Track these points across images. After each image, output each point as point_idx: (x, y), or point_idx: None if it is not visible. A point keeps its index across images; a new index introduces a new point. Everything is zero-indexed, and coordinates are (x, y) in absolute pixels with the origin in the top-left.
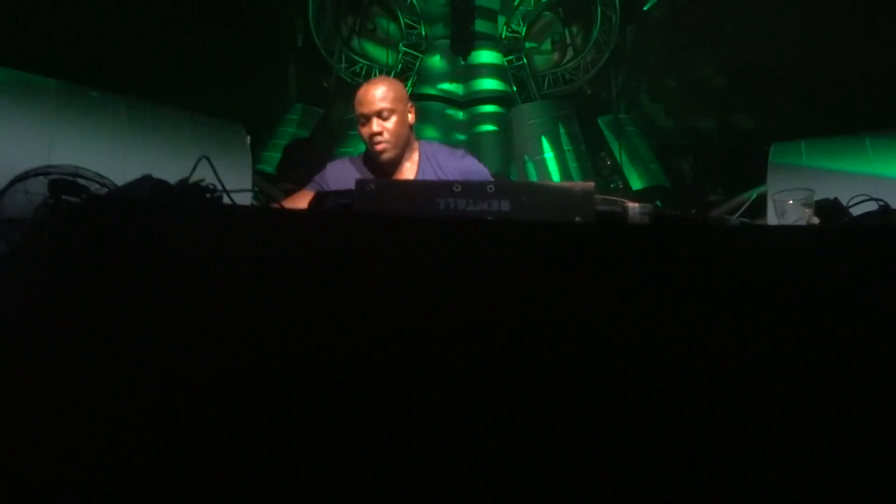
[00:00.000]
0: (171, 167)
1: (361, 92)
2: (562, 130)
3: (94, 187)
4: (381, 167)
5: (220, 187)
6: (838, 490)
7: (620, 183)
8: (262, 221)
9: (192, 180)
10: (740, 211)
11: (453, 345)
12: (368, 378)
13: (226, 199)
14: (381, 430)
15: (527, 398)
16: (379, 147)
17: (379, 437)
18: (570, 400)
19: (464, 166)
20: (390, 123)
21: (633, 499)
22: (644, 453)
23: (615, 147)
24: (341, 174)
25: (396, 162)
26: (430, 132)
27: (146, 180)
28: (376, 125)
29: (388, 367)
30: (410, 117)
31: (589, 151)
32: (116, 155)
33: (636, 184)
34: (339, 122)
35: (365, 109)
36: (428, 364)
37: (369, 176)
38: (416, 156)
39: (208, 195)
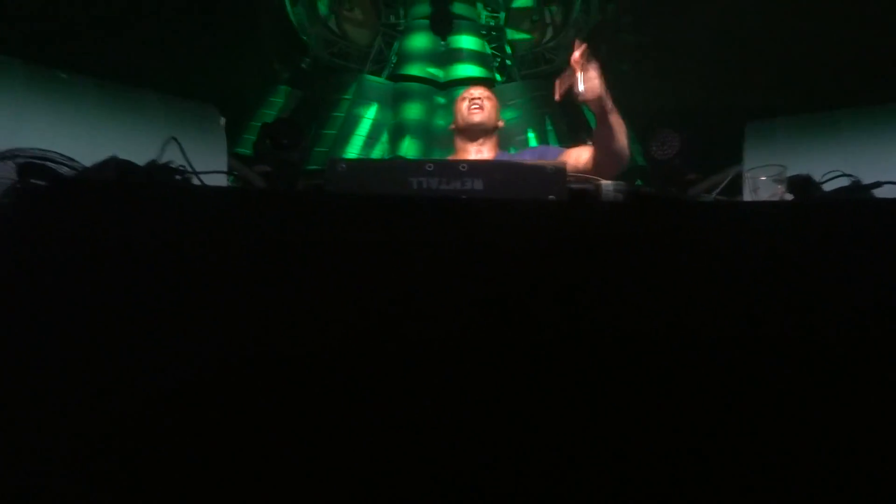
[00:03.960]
0: (143, 149)
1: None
2: (542, 111)
3: (64, 171)
4: (469, 140)
5: (190, 168)
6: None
7: None
8: (231, 202)
9: (160, 161)
10: (717, 189)
11: (426, 323)
12: (340, 357)
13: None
14: (354, 407)
15: (500, 375)
16: (474, 108)
17: (354, 414)
18: (544, 376)
19: (537, 153)
20: (487, 103)
21: (608, 470)
22: (619, 427)
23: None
24: None
25: (479, 145)
26: (413, 112)
27: (112, 161)
28: (478, 94)
29: (360, 347)
30: (500, 122)
31: (570, 131)
32: (87, 137)
33: None
34: (319, 104)
35: (472, 92)
36: (402, 343)
37: None
38: (493, 157)
39: (178, 177)
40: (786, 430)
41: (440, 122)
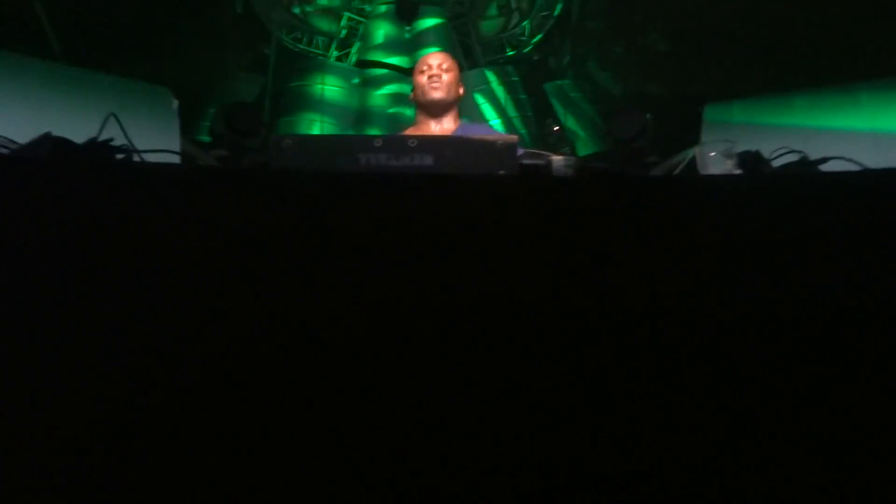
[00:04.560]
0: (91, 131)
1: (429, 54)
2: (507, 97)
3: (3, 152)
4: (430, 116)
5: (131, 146)
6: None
7: (568, 149)
8: (173, 179)
9: (100, 139)
10: (677, 171)
11: (374, 302)
12: (284, 339)
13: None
14: (303, 391)
15: (446, 355)
16: (433, 85)
17: (305, 398)
18: (486, 357)
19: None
20: (447, 76)
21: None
22: (584, 409)
23: (561, 113)
24: None
25: (440, 120)
26: (378, 100)
27: (47, 139)
28: (436, 70)
29: (306, 328)
30: (461, 90)
31: (536, 118)
32: (32, 119)
33: (583, 149)
34: (281, 91)
35: (430, 60)
36: (349, 323)
37: None
38: (453, 129)
39: (119, 155)
40: (746, 405)
41: (407, 110)
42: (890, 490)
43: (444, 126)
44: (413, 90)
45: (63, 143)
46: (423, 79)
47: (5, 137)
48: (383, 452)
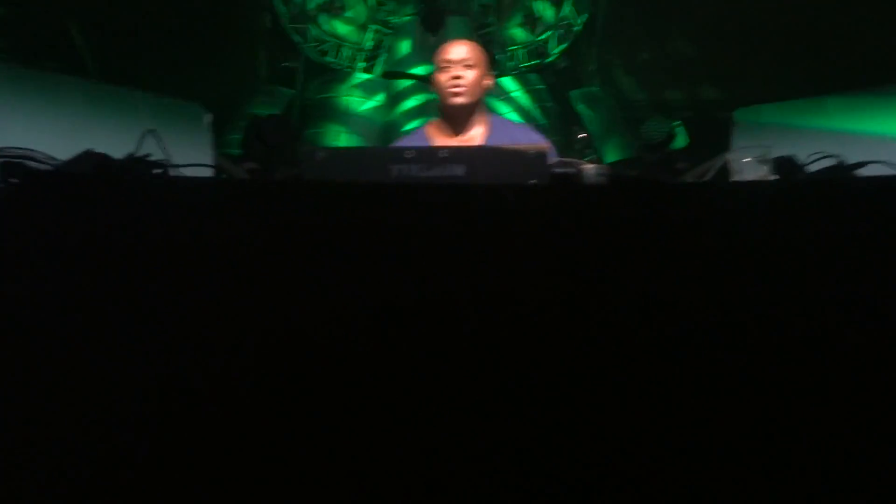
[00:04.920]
0: (128, 148)
1: (449, 44)
2: (533, 105)
3: (45, 169)
4: (450, 128)
5: (168, 160)
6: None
7: (594, 156)
8: (209, 193)
9: (138, 154)
10: (707, 176)
11: (410, 311)
12: (321, 345)
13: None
14: (336, 397)
15: (484, 360)
16: (456, 90)
17: (336, 403)
18: (527, 360)
19: (531, 140)
20: (471, 73)
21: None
22: (611, 415)
23: (588, 121)
24: None
25: (465, 121)
26: (405, 111)
27: (87, 155)
28: (459, 70)
29: (342, 335)
30: (487, 83)
31: (563, 125)
32: (70, 137)
33: (610, 156)
34: (309, 103)
35: (451, 56)
36: (385, 330)
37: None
38: (485, 129)
39: (157, 170)
40: (778, 413)
41: (432, 116)
42: (890, 490)
43: (471, 133)
44: (434, 86)
45: (103, 160)
46: (443, 78)
47: (46, 154)
48: (416, 463)
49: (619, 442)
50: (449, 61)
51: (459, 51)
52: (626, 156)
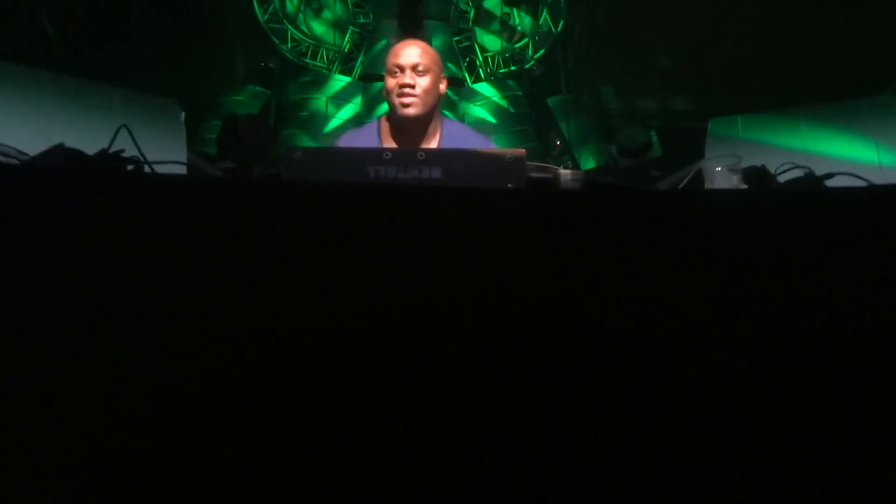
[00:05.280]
0: (101, 143)
1: (399, 45)
2: (510, 111)
3: (14, 163)
4: (400, 134)
5: (142, 157)
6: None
7: (571, 163)
8: (184, 190)
9: (111, 150)
10: (681, 184)
11: (385, 312)
12: (298, 346)
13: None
14: (314, 397)
15: (455, 364)
16: (406, 100)
17: (315, 405)
18: (503, 364)
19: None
20: (423, 80)
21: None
22: (582, 414)
23: (564, 128)
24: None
25: (417, 130)
26: (381, 113)
27: (59, 150)
28: (409, 77)
29: (317, 337)
30: (442, 87)
31: (539, 132)
32: (42, 132)
33: (587, 163)
34: (286, 104)
35: (401, 60)
36: (360, 332)
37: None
38: (438, 134)
39: (130, 166)
40: (754, 410)
41: None
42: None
43: (422, 142)
44: (383, 89)
45: (75, 154)
46: (391, 84)
47: (15, 148)
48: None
49: (603, 450)
50: (399, 66)
51: (411, 54)
52: (602, 163)
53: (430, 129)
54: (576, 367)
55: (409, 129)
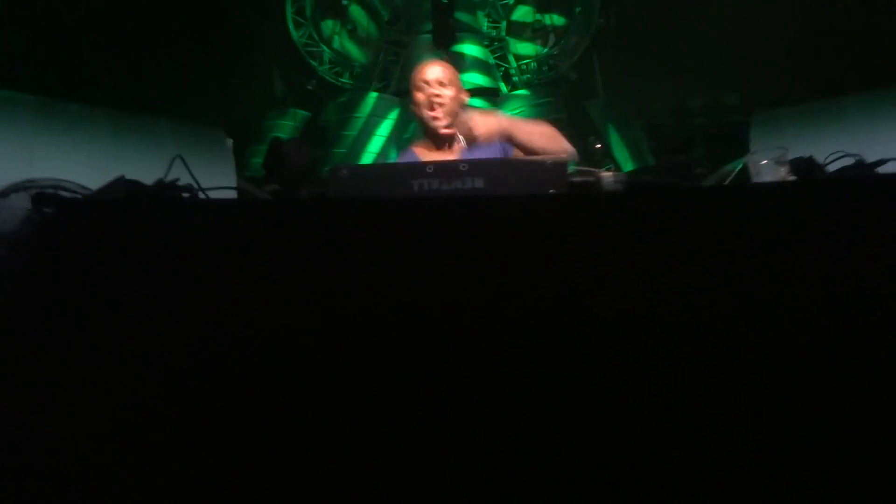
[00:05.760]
0: (156, 174)
1: (422, 65)
2: (546, 118)
3: (78, 197)
4: (433, 145)
5: (196, 186)
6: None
7: (612, 166)
8: (237, 214)
9: (167, 180)
10: (727, 181)
11: (435, 323)
12: (348, 359)
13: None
14: (360, 409)
15: (508, 370)
16: (433, 112)
17: (362, 416)
18: (550, 369)
19: (507, 151)
20: (447, 92)
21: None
22: (624, 420)
23: (604, 131)
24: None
25: (445, 138)
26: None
27: (120, 182)
28: (436, 89)
29: (369, 349)
30: (463, 98)
31: (578, 137)
32: (99, 166)
33: (627, 166)
34: (327, 125)
35: (427, 76)
36: (411, 343)
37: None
38: (462, 143)
39: (185, 194)
40: (794, 415)
41: None
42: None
43: (452, 148)
44: (412, 104)
45: (135, 186)
46: (421, 97)
47: (77, 184)
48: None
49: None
50: (427, 81)
51: (435, 71)
52: (644, 163)
53: (458, 139)
54: (627, 371)
55: (438, 137)
